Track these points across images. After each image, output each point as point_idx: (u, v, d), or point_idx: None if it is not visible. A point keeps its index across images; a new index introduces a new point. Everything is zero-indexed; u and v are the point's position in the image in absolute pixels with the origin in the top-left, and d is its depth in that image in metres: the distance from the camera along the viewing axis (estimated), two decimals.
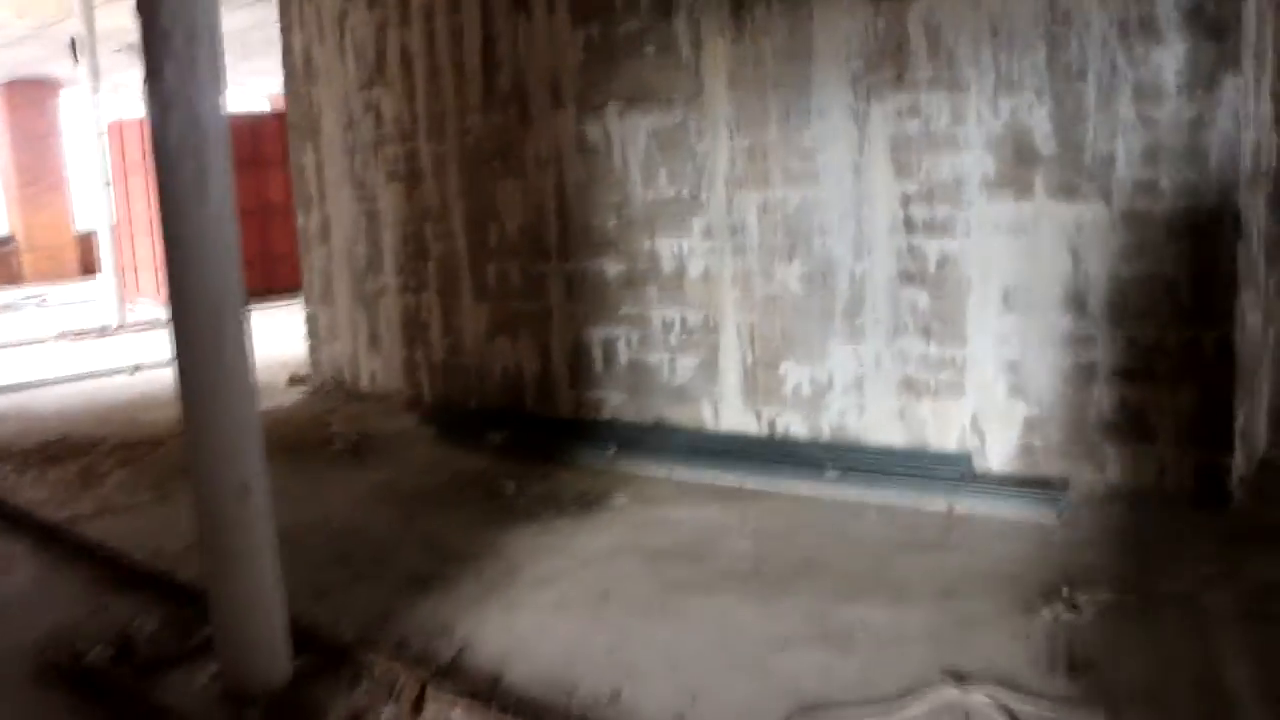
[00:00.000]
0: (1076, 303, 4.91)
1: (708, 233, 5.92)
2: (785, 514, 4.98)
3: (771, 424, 5.84)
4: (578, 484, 5.56)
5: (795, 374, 5.73)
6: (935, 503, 4.91)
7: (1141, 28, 4.57)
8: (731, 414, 5.97)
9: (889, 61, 5.19)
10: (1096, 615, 3.72)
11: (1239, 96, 4.43)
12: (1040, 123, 4.85)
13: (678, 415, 6.17)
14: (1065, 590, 3.88)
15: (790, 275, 5.67)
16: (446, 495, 5.54)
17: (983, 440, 5.22)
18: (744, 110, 5.67)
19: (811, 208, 5.55)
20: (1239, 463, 4.78)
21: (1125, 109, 4.65)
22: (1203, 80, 4.49)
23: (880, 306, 5.42)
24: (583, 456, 5.94)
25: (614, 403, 6.42)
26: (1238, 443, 4.75)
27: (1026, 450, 5.11)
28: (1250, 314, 4.80)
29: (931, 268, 5.25)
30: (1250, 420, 5.02)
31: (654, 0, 5.89)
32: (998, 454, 5.17)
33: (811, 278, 5.61)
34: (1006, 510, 4.76)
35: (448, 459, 6.19)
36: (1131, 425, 4.86)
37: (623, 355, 6.34)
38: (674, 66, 5.88)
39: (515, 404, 6.90)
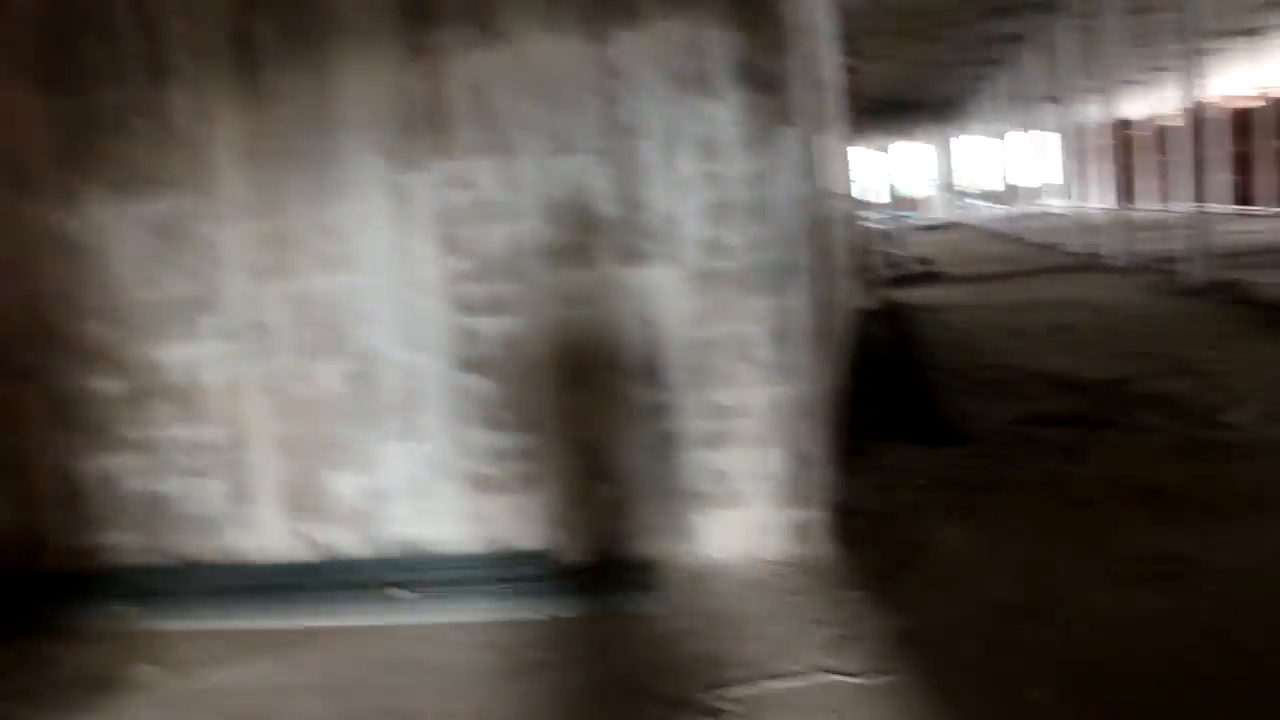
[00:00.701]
0: (653, 371, 4.61)
1: (226, 334, 5.02)
2: (357, 655, 4.16)
3: (323, 546, 5.01)
4: (85, 660, 4.32)
5: (345, 485, 4.97)
6: (527, 611, 4.34)
7: (696, 81, 4.40)
8: (273, 540, 5.07)
9: (429, 127, 4.66)
10: (741, 717, 3.31)
11: (796, 150, 4.36)
12: (599, 184, 4.53)
13: (206, 550, 5.14)
14: (701, 694, 3.44)
15: (330, 374, 4.92)
16: None
17: (568, 532, 4.75)
18: (263, 190, 4.87)
19: (350, 296, 4.86)
20: (826, 515, 4.68)
21: (687, 165, 4.45)
22: (761, 135, 4.39)
23: (438, 398, 4.83)
24: (88, 620, 4.73)
25: (124, 546, 5.25)
26: (823, 495, 4.66)
27: (615, 534, 4.72)
28: (821, 366, 4.73)
29: (493, 350, 4.75)
30: (827, 471, 4.95)
31: (145, 66, 4.94)
32: (585, 543, 4.73)
33: (356, 375, 4.90)
34: (609, 605, 4.29)
35: None
36: (721, 492, 4.64)
37: (129, 487, 5.22)
38: (173, 143, 4.95)
39: None
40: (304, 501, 5.02)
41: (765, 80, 4.36)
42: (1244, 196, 29.44)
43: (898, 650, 3.67)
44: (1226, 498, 5.02)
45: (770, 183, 4.42)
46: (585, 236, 4.58)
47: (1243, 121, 30.02)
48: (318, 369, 4.93)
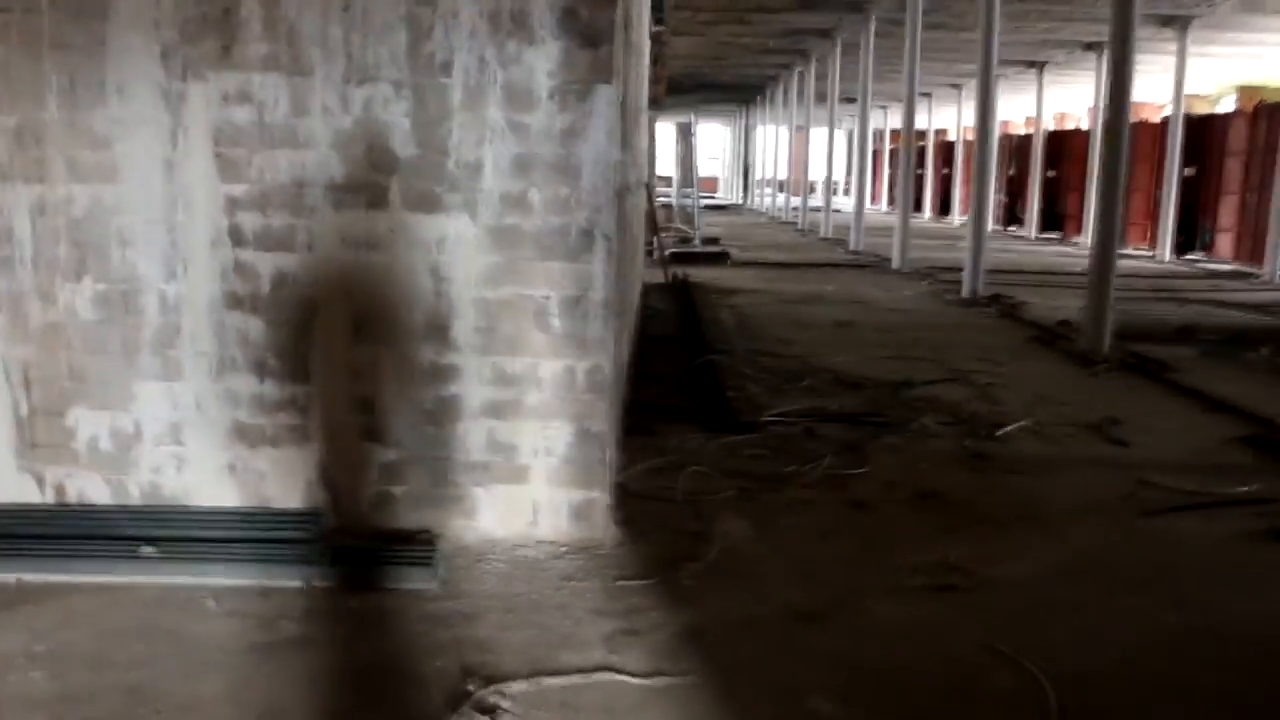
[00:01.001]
0: (440, 330, 4.31)
1: None
2: (93, 618, 3.68)
3: (61, 490, 4.49)
4: None
5: (90, 423, 4.45)
6: (287, 577, 3.97)
7: (514, 23, 4.09)
8: (4, 481, 4.51)
9: (214, 31, 4.18)
10: (516, 716, 3.06)
11: (609, 111, 4.11)
12: (398, 121, 4.18)
13: None
14: (472, 686, 3.18)
15: (80, 297, 4.39)
16: None
17: (336, 494, 4.41)
18: (9, 78, 4.26)
19: (109, 211, 4.33)
20: (611, 498, 4.49)
21: (494, 112, 4.15)
22: (576, 89, 4.12)
23: (201, 336, 4.38)
24: None
25: None
26: (609, 477, 4.48)
27: (385, 500, 4.41)
28: (614, 340, 4.52)
29: (266, 289, 4.33)
30: (614, 451, 4.76)
31: None
32: (356, 508, 4.40)
33: (109, 301, 4.39)
34: (378, 578, 3.96)
35: None
36: (503, 466, 4.39)
37: None
38: None
39: None
40: (41, 439, 4.48)
41: (587, 33, 4.09)
42: (1011, 218, 31.13)
43: (679, 649, 3.50)
44: (1001, 509, 5.08)
45: (580, 142, 4.17)
46: (378, 175, 4.22)
47: (1019, 148, 31.68)
48: (65, 290, 4.39)
